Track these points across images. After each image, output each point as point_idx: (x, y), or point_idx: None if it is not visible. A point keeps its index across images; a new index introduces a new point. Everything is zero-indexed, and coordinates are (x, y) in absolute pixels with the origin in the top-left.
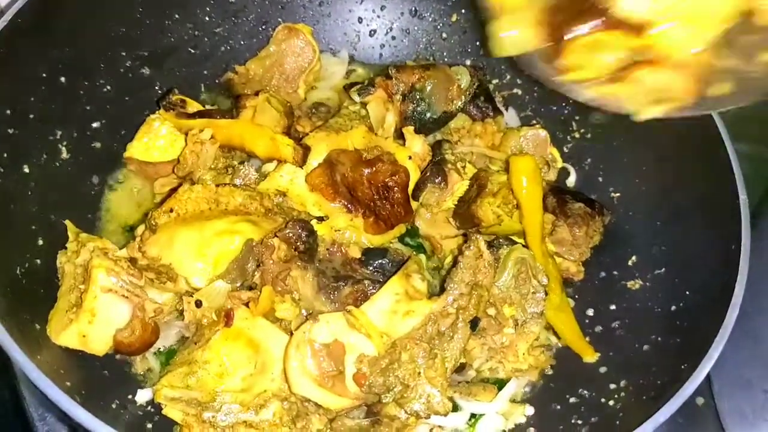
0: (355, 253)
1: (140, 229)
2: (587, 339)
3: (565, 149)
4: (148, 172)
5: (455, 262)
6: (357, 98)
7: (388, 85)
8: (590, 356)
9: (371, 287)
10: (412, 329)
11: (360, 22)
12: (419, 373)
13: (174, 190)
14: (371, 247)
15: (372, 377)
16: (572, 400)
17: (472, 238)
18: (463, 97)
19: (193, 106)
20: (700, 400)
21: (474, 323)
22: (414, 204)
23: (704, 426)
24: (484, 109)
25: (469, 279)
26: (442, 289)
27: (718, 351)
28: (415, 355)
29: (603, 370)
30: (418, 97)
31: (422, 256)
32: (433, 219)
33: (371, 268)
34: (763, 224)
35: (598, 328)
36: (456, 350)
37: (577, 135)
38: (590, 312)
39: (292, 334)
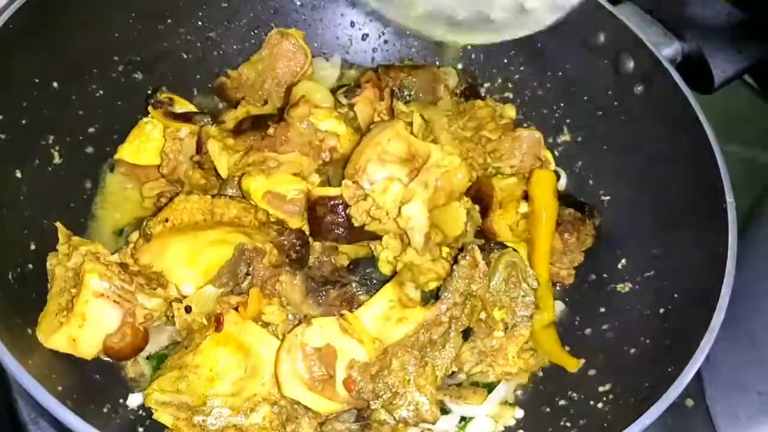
0: (344, 261)
1: (134, 236)
2: (576, 342)
3: (556, 152)
4: (138, 174)
5: (450, 271)
6: (344, 100)
7: (376, 82)
8: (574, 366)
9: (358, 290)
10: (404, 336)
11: (352, 27)
12: (409, 380)
13: (162, 194)
14: (359, 257)
15: (362, 383)
16: (561, 402)
17: (468, 248)
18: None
19: (181, 105)
20: (689, 402)
21: (466, 333)
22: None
23: (694, 428)
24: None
25: (464, 288)
26: (437, 297)
27: (705, 353)
28: (405, 363)
29: (592, 372)
30: (405, 93)
31: None
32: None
33: (359, 276)
34: (757, 226)
35: (588, 331)
36: (447, 359)
37: (567, 138)
38: (579, 315)
39: (281, 338)
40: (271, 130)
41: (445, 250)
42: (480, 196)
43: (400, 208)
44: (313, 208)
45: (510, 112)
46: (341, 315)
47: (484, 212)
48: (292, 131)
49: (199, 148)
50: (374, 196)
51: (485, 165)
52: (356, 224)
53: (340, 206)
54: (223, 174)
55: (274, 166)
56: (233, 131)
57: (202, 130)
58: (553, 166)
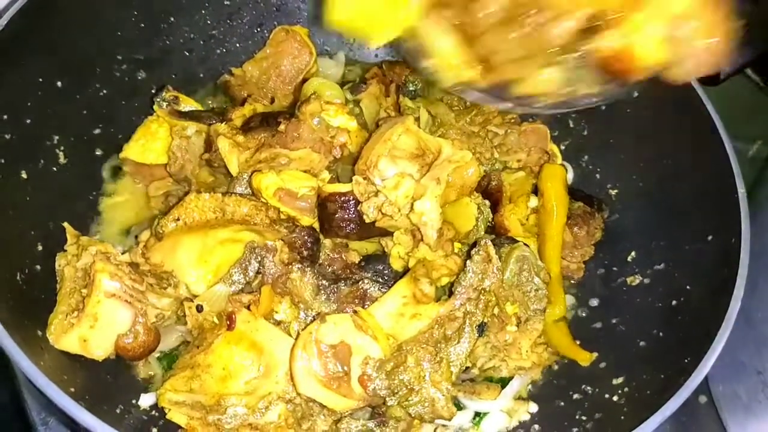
0: (355, 258)
1: (145, 235)
2: (587, 336)
3: (563, 147)
4: (144, 173)
5: (463, 267)
6: (350, 96)
7: (382, 78)
8: (586, 360)
9: (370, 286)
10: (419, 332)
11: None
12: (424, 377)
13: (169, 193)
14: (371, 254)
15: (377, 380)
16: (576, 396)
17: (482, 243)
18: None
19: (187, 103)
20: (702, 399)
21: (481, 328)
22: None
23: (707, 424)
24: None
25: (478, 284)
26: (450, 293)
27: (722, 344)
28: (420, 359)
29: (604, 366)
30: (411, 89)
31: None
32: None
33: (370, 272)
34: (754, 209)
35: (598, 325)
36: (462, 354)
37: (574, 132)
38: (590, 309)
39: (293, 335)
40: (282, 127)
41: (457, 245)
42: (490, 191)
43: (412, 204)
44: (324, 204)
45: None
46: (355, 312)
47: (495, 207)
48: (304, 128)
49: (209, 146)
50: (386, 192)
51: (492, 160)
52: (367, 220)
53: (351, 202)
54: (234, 171)
55: (285, 163)
56: (241, 129)
57: (212, 128)
58: (559, 160)
